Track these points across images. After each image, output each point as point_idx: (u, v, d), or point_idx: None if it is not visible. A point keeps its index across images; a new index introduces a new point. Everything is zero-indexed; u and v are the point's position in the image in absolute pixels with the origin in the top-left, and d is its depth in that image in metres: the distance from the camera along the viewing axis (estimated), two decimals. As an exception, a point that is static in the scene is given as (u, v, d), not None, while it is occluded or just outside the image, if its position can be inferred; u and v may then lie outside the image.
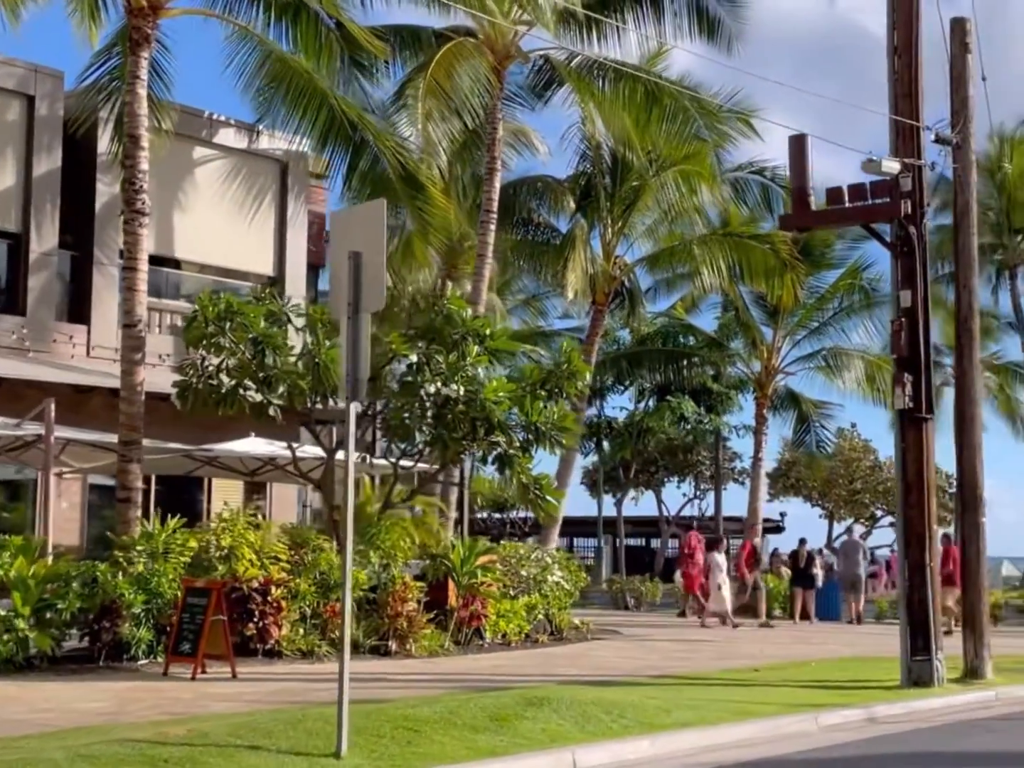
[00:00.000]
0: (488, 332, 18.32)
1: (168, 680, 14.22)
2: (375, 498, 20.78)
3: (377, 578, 17.63)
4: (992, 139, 50.99)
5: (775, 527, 66.90)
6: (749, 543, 31.17)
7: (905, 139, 15.96)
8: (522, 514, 71.68)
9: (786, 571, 30.72)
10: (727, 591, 26.81)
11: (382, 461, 18.76)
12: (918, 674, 15.42)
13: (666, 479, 64.27)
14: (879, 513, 67.19)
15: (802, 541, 30.37)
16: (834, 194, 16.34)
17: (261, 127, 22.33)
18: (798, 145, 16.23)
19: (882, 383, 31.32)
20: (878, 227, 16.52)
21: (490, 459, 18.32)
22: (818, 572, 29.44)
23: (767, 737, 12.08)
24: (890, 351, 16.18)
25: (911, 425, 15.72)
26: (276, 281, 24.53)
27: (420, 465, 19.27)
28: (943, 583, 24.23)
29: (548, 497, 18.97)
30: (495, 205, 24.15)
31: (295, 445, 19.04)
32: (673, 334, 33.83)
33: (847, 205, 16.09)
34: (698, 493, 61.63)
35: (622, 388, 38.16)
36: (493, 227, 24.27)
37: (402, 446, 18.63)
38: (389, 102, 22.44)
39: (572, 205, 29.56)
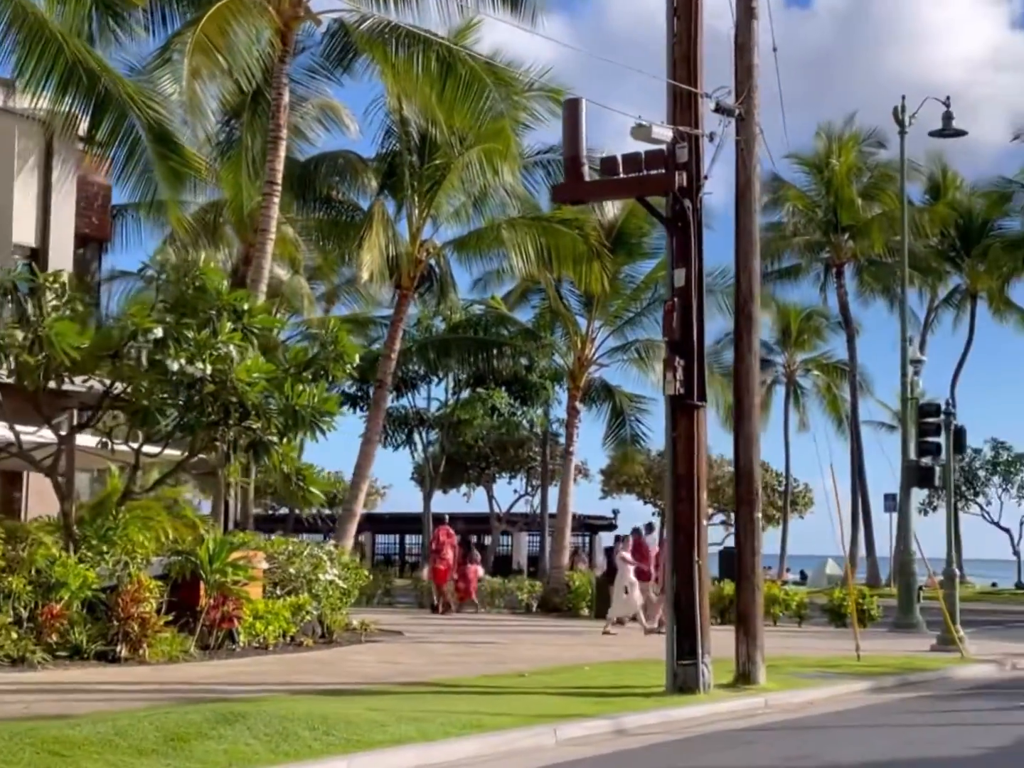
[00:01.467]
0: (247, 307, 16.74)
1: None
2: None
3: (114, 577, 15.98)
4: (820, 136, 51.29)
5: (608, 525, 66.47)
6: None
7: (682, 106, 14.92)
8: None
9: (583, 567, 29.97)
10: (637, 593, 24.60)
11: (125, 447, 17.04)
12: (684, 680, 14.38)
13: (498, 475, 63.29)
14: (711, 511, 67.30)
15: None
16: (608, 164, 15.23)
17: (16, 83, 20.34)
18: (572, 110, 15.06)
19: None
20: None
21: (244, 446, 16.71)
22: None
23: (494, 753, 10.84)
24: (662, 334, 15.13)
25: (683, 413, 14.68)
26: (38, 252, 22.51)
27: (170, 452, 17.59)
28: (639, 577, 24.58)
29: (313, 488, 17.51)
30: (279, 176, 22.54)
31: (29, 429, 17.19)
32: (486, 323, 32.57)
33: (621, 176, 15.00)
34: (529, 490, 60.71)
35: (437, 379, 36.87)
36: (276, 200, 22.67)
37: (151, 431, 16.94)
38: (153, 56, 20.65)
39: (374, 183, 28.08)
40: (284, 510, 63.68)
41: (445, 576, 28.21)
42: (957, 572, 22.70)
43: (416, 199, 28.32)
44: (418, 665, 17.08)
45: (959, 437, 24.22)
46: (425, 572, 31.32)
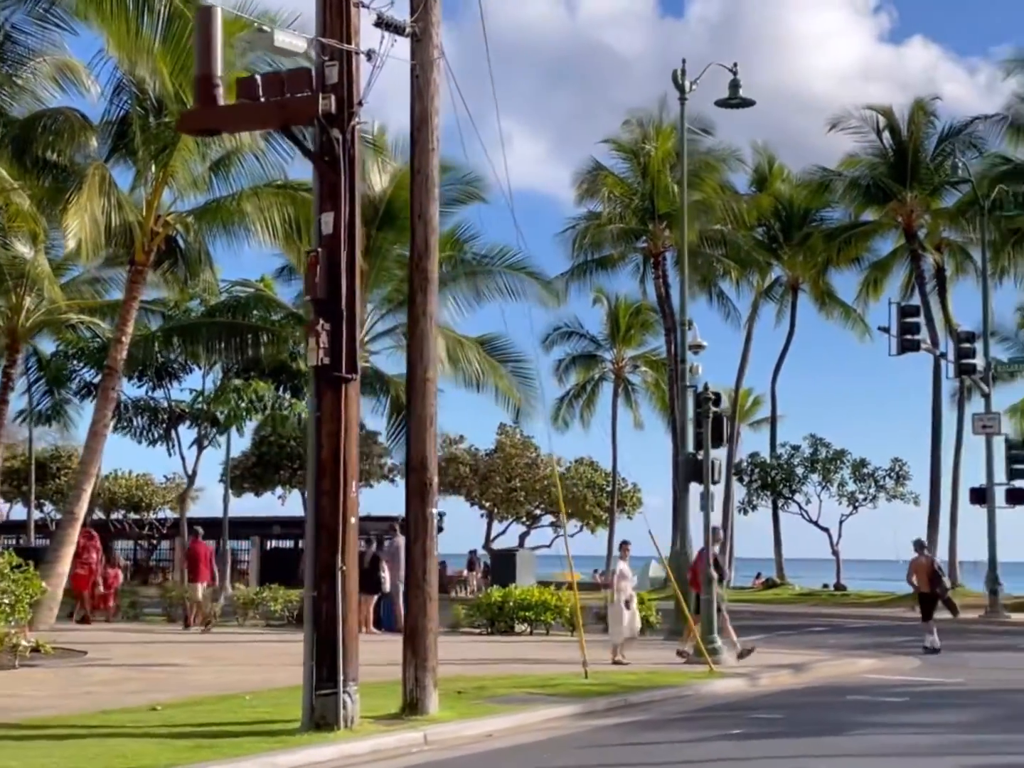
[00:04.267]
0: None
1: None
2: None
3: None
4: (631, 122, 49.33)
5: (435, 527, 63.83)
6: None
7: (333, 15, 12.31)
8: (163, 514, 66.42)
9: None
10: (626, 615, 20.19)
11: None
12: (322, 713, 11.75)
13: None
14: (539, 512, 65.14)
15: (369, 542, 26.85)
16: (247, 86, 12.49)
17: None
18: (204, 20, 12.33)
19: (466, 364, 28.14)
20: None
21: None
22: (385, 576, 25.92)
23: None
24: (304, 292, 12.53)
25: (328, 387, 12.07)
26: None
27: None
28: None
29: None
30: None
31: None
32: (247, 306, 29.57)
33: (261, 100, 12.32)
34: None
35: (199, 368, 33.65)
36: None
37: None
38: None
39: (93, 143, 24.98)
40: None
41: (86, 583, 26.17)
42: (715, 575, 20.53)
43: (153, 165, 25.30)
44: (41, 697, 14.21)
45: (718, 427, 22.07)
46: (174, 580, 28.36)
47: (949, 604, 24.60)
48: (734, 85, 26.89)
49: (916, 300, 44.90)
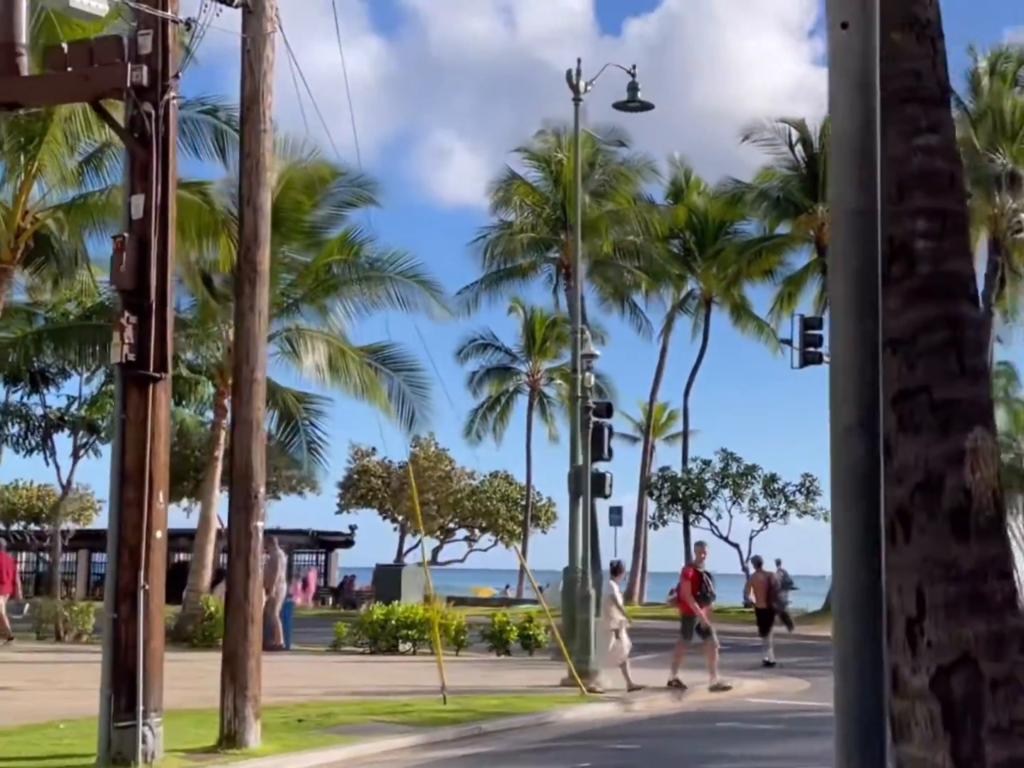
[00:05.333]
0: None
1: None
2: None
3: None
4: (545, 131, 48.56)
5: (344, 541, 62.47)
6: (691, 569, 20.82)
7: (148, -20, 11.24)
8: (66, 525, 64.40)
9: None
10: (612, 642, 18.52)
11: None
12: (119, 747, 10.61)
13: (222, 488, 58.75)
14: (452, 526, 64.07)
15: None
16: (54, 56, 11.46)
17: None
18: (6, -18, 11.23)
19: (347, 374, 27.03)
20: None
21: None
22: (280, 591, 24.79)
23: None
24: (110, 280, 11.45)
25: (134, 387, 10.96)
26: None
27: None
28: None
29: None
30: None
31: None
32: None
33: (69, 71, 11.22)
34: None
35: (77, 373, 32.15)
36: None
37: None
38: None
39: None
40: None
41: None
42: (592, 592, 19.63)
43: (22, 155, 23.94)
44: None
45: (598, 438, 21.14)
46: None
47: (785, 618, 26.49)
48: (632, 88, 26.06)
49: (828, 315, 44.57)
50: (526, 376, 61.55)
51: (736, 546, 47.74)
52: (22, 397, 33.48)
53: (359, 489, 62.65)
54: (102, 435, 33.04)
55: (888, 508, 3.48)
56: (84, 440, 34.46)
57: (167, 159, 11.12)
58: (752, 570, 25.37)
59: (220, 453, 27.75)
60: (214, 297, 27.61)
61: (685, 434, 53.15)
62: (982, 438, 3.59)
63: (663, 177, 52.50)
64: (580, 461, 24.16)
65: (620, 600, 19.57)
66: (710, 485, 47.10)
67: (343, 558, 64.20)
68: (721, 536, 47.63)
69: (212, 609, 26.06)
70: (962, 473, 3.53)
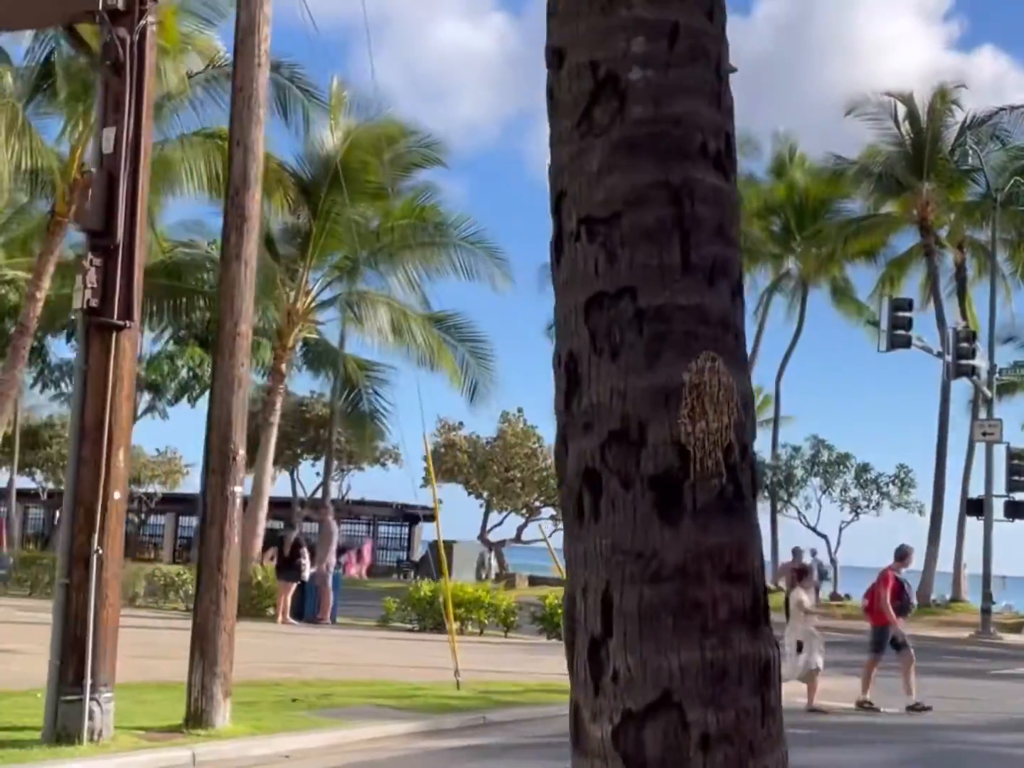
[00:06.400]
0: None
1: None
2: None
3: None
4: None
5: (429, 515, 61.92)
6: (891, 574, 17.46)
7: None
8: (152, 488, 64.96)
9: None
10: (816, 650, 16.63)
11: None
12: (64, 722, 9.84)
13: (301, 457, 58.60)
14: (538, 504, 63.00)
15: (291, 526, 25.02)
16: (28, -23, 10.63)
17: None
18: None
19: (411, 338, 26.17)
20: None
21: None
22: (304, 563, 24.03)
23: None
24: (74, 217, 10.64)
25: (97, 335, 10.14)
26: None
27: None
28: None
29: None
30: None
31: None
32: (184, 268, 27.57)
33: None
34: (334, 474, 56.08)
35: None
36: None
37: None
38: None
39: (8, 79, 23.21)
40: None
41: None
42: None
43: (78, 106, 23.53)
44: None
45: None
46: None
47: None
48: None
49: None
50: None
51: (824, 537, 46.07)
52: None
53: (445, 463, 61.96)
54: (168, 397, 32.75)
55: (573, 466, 2.39)
56: (150, 401, 34.19)
57: (140, 88, 10.26)
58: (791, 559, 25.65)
59: (275, 419, 27.20)
60: (274, 257, 26.99)
61: (776, 419, 51.40)
62: (711, 369, 2.40)
63: (763, 153, 50.82)
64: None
65: (807, 601, 16.83)
66: (799, 473, 45.41)
67: (427, 532, 63.61)
68: (809, 526, 45.99)
69: (259, 578, 25.52)
70: (674, 419, 2.35)
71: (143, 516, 64.49)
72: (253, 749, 10.52)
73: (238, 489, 11.06)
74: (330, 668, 16.28)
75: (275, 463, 58.13)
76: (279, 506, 58.47)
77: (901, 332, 28.57)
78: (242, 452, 11.10)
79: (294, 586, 24.11)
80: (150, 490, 62.78)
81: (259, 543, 26.53)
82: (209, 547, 10.95)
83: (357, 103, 26.56)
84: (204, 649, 10.83)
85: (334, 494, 57.05)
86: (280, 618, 23.90)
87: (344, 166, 26.37)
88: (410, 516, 64.04)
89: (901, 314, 28.79)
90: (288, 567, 23.99)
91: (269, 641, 19.99)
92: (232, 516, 11.00)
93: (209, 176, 23.06)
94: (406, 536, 63.35)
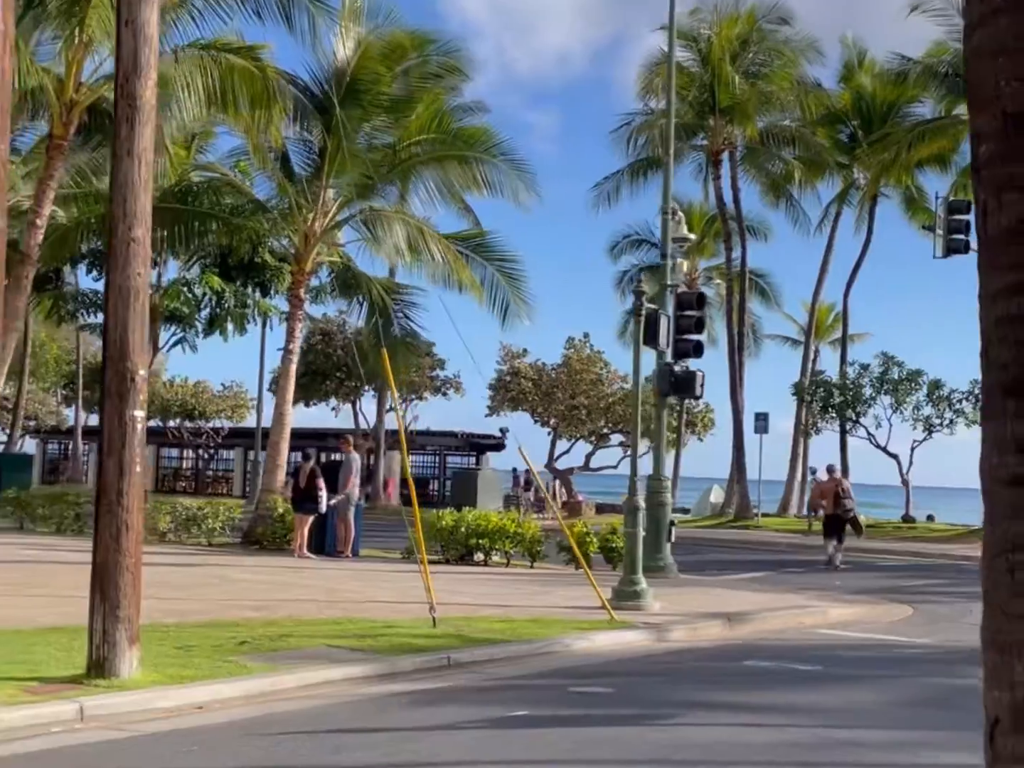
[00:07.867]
0: None
1: None
2: None
3: None
4: (700, 11, 44.97)
5: (496, 444, 60.98)
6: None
7: None
8: (219, 423, 64.74)
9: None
10: None
11: None
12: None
13: (364, 389, 57.72)
14: (606, 431, 61.66)
15: (307, 456, 24.03)
16: None
17: None
18: None
19: (428, 253, 24.90)
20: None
21: None
22: (322, 495, 23.05)
23: None
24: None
25: None
26: None
27: None
28: None
29: None
30: None
31: None
32: (208, 191, 26.47)
33: None
34: (392, 405, 55.13)
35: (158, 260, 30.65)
36: None
37: None
38: None
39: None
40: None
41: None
42: (642, 505, 17.18)
43: (67, 20, 22.43)
44: None
45: (651, 326, 18.16)
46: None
47: (855, 524, 26.70)
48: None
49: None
50: (684, 275, 58.45)
51: (895, 457, 44.23)
52: (96, 281, 32.20)
53: (510, 392, 60.83)
54: (193, 329, 31.90)
55: None
56: (175, 334, 33.35)
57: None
58: (823, 477, 26.44)
59: (295, 346, 26.19)
60: (289, 179, 25.81)
61: (844, 337, 49.46)
62: None
63: (829, 59, 48.42)
64: (668, 358, 21.65)
65: None
66: (867, 391, 43.49)
67: (494, 460, 62.71)
68: (879, 446, 44.12)
69: (281, 511, 24.69)
70: None
71: (213, 451, 64.36)
72: (159, 701, 9.47)
73: (139, 413, 9.93)
74: (310, 605, 15.29)
75: (336, 394, 57.66)
76: (314, 437, 56.93)
77: (958, 236, 26.67)
78: (143, 372, 9.97)
79: (311, 519, 23.20)
80: (216, 425, 62.62)
81: (282, 474, 25.60)
82: (107, 479, 9.86)
83: (369, 10, 25.15)
84: (105, 591, 9.79)
85: (397, 425, 56.21)
86: (297, 552, 23.06)
87: (356, 78, 25.09)
88: (476, 445, 63.19)
89: (957, 217, 26.87)
90: (304, 499, 23.06)
91: (265, 576, 19.11)
92: (133, 443, 9.89)
93: (207, 91, 21.87)
94: (474, 466, 62.52)
